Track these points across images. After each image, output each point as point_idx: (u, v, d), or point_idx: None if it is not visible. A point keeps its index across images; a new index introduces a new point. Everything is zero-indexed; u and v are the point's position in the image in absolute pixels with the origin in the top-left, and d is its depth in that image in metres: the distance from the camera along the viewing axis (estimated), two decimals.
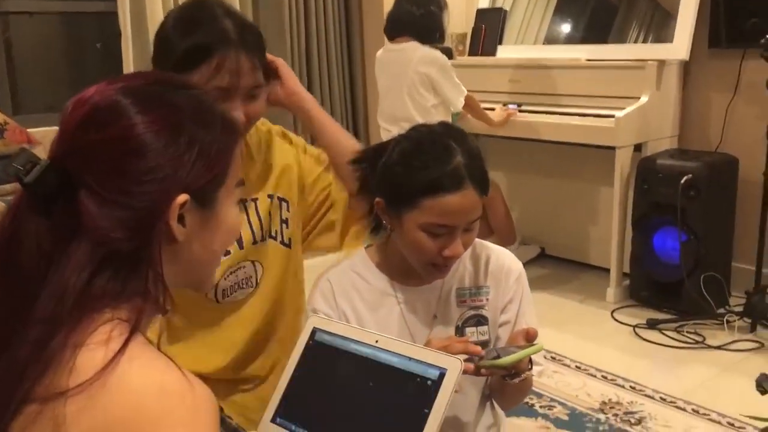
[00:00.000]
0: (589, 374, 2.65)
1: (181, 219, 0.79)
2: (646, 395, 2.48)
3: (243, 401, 1.51)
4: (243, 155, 1.37)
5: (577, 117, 3.29)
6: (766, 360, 2.66)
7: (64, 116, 0.80)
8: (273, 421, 1.11)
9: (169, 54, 1.28)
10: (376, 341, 1.07)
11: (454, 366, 0.98)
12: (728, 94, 3.23)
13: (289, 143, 1.57)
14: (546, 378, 2.59)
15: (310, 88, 4.26)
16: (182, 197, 0.77)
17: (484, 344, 1.36)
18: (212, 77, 1.27)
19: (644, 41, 3.37)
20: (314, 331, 1.15)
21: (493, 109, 3.53)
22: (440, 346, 1.15)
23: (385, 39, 3.47)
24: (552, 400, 2.47)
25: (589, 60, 3.39)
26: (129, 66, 3.78)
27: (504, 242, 3.64)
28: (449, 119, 3.43)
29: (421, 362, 1.01)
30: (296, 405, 1.10)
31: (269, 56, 1.42)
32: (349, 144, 1.52)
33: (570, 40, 3.70)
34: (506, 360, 1.12)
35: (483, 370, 1.18)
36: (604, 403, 2.44)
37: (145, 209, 0.76)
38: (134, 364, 0.70)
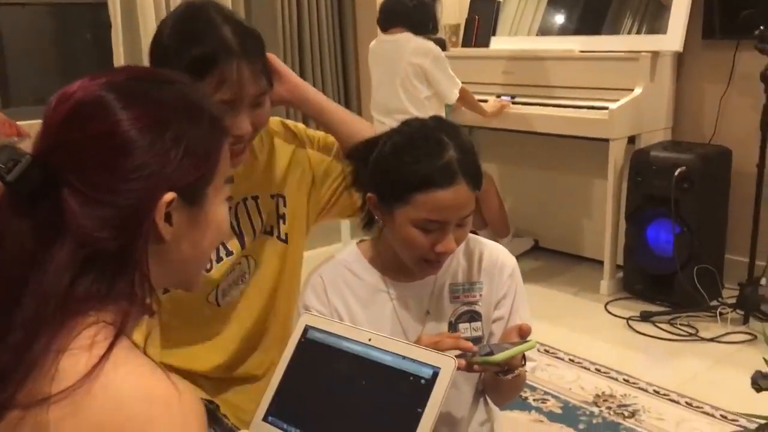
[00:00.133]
0: (582, 367, 2.65)
1: (168, 218, 0.77)
2: (639, 388, 2.48)
3: (237, 401, 1.50)
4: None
5: (570, 109, 3.28)
6: (759, 352, 2.66)
7: (47, 112, 0.78)
8: (265, 420, 1.09)
9: (168, 67, 1.25)
10: (369, 339, 1.06)
11: (447, 365, 0.97)
12: (722, 85, 3.22)
13: (291, 135, 1.53)
14: (539, 371, 2.59)
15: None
16: (169, 195, 0.75)
17: (477, 340, 1.36)
18: (215, 91, 1.23)
19: (638, 32, 3.36)
20: (306, 328, 1.13)
21: (486, 101, 3.52)
22: (431, 343, 1.14)
23: (378, 30, 3.45)
24: (546, 393, 2.46)
25: (582, 51, 3.38)
26: (119, 56, 3.76)
27: (498, 235, 3.64)
28: (443, 111, 3.42)
29: (414, 361, 1.00)
30: (288, 404, 1.09)
31: None
32: (361, 127, 1.49)
33: (563, 31, 3.68)
34: (500, 357, 1.11)
35: (476, 366, 1.17)
36: (597, 396, 2.43)
37: (130, 208, 0.73)
38: (119, 369, 0.69)
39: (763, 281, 2.96)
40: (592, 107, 3.20)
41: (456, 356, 0.99)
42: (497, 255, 1.40)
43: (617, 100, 3.13)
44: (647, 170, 3.08)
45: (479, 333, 1.37)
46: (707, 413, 2.30)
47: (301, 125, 1.56)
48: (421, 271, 1.31)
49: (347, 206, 1.53)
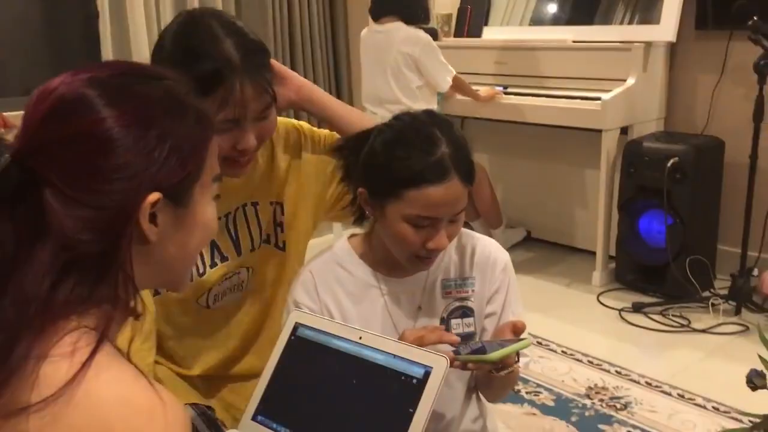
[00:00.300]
0: (575, 359, 2.64)
1: (153, 218, 0.74)
2: (631, 380, 2.48)
3: (231, 400, 1.49)
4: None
5: (563, 99, 3.27)
6: (751, 343, 2.66)
7: (27, 108, 0.75)
8: (254, 419, 1.08)
9: None
10: (360, 338, 1.04)
11: (440, 364, 0.96)
12: (715, 76, 3.21)
13: (295, 137, 1.49)
14: (532, 363, 2.58)
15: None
16: (153, 196, 0.73)
17: (469, 336, 1.34)
18: (219, 110, 1.19)
19: (630, 22, 3.34)
20: (296, 326, 1.12)
21: (477, 91, 3.50)
22: (414, 338, 1.13)
23: (370, 19, 3.42)
24: (538, 386, 2.46)
25: (575, 42, 3.36)
26: (107, 47, 3.72)
27: (490, 226, 3.63)
28: (435, 100, 3.40)
29: (406, 360, 0.99)
30: (278, 403, 1.07)
31: None
32: (364, 123, 1.46)
33: (556, 21, 3.66)
34: (495, 356, 1.09)
35: (470, 365, 1.15)
36: (590, 388, 2.43)
37: (113, 209, 0.71)
38: (101, 378, 0.67)
39: (755, 272, 2.96)
40: (585, 98, 3.19)
41: (446, 351, 0.98)
42: (490, 250, 1.39)
43: (610, 91, 3.12)
44: (640, 161, 3.07)
45: (472, 329, 1.35)
46: (699, 405, 2.30)
47: (306, 124, 1.53)
48: (412, 267, 1.30)
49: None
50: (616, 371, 2.54)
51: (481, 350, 1.13)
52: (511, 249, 3.42)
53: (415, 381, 0.96)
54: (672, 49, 3.32)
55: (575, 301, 3.20)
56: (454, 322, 1.35)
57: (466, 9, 3.92)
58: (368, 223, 1.35)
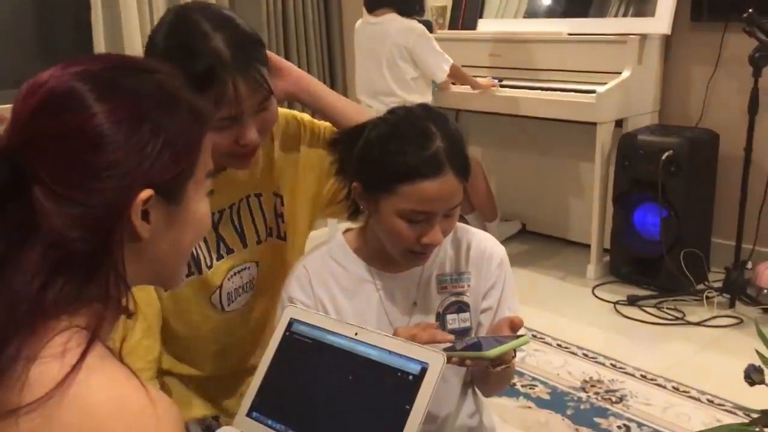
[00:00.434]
0: (570, 352, 2.64)
1: (145, 215, 0.73)
2: (626, 373, 2.48)
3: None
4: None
5: (557, 92, 3.26)
6: (746, 336, 2.67)
7: (16, 103, 0.73)
8: (249, 415, 1.07)
9: None
10: (356, 334, 1.03)
11: (436, 361, 0.95)
12: (709, 68, 3.20)
13: (294, 129, 1.47)
14: (527, 356, 2.58)
15: None
16: (146, 192, 0.72)
17: (465, 331, 1.34)
18: (215, 109, 1.16)
19: (625, 15, 3.33)
20: (291, 321, 1.11)
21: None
22: (407, 336, 1.11)
23: (364, 11, 3.40)
24: (533, 379, 2.46)
25: (570, 34, 3.35)
26: (99, 39, 3.70)
27: (485, 219, 3.63)
28: (430, 91, 3.39)
29: (402, 356, 0.98)
30: (273, 399, 1.06)
31: None
32: (362, 117, 1.44)
33: (551, 13, 3.64)
34: (493, 353, 1.08)
35: (468, 362, 1.15)
36: (585, 381, 2.43)
37: (104, 207, 0.70)
38: (92, 379, 0.65)
39: (749, 265, 2.97)
40: (580, 90, 3.18)
41: (443, 349, 0.97)
42: (485, 244, 1.38)
43: (605, 83, 3.11)
44: (634, 154, 3.06)
45: (467, 324, 1.34)
46: (694, 398, 2.31)
47: (307, 116, 1.51)
48: (407, 262, 1.29)
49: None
50: (611, 364, 2.54)
51: (477, 345, 1.13)
52: (505, 242, 3.41)
53: (411, 377, 0.96)
54: (667, 41, 3.31)
55: (570, 294, 3.20)
56: (449, 317, 1.34)
57: (461, 1, 3.91)
58: (363, 218, 1.34)
